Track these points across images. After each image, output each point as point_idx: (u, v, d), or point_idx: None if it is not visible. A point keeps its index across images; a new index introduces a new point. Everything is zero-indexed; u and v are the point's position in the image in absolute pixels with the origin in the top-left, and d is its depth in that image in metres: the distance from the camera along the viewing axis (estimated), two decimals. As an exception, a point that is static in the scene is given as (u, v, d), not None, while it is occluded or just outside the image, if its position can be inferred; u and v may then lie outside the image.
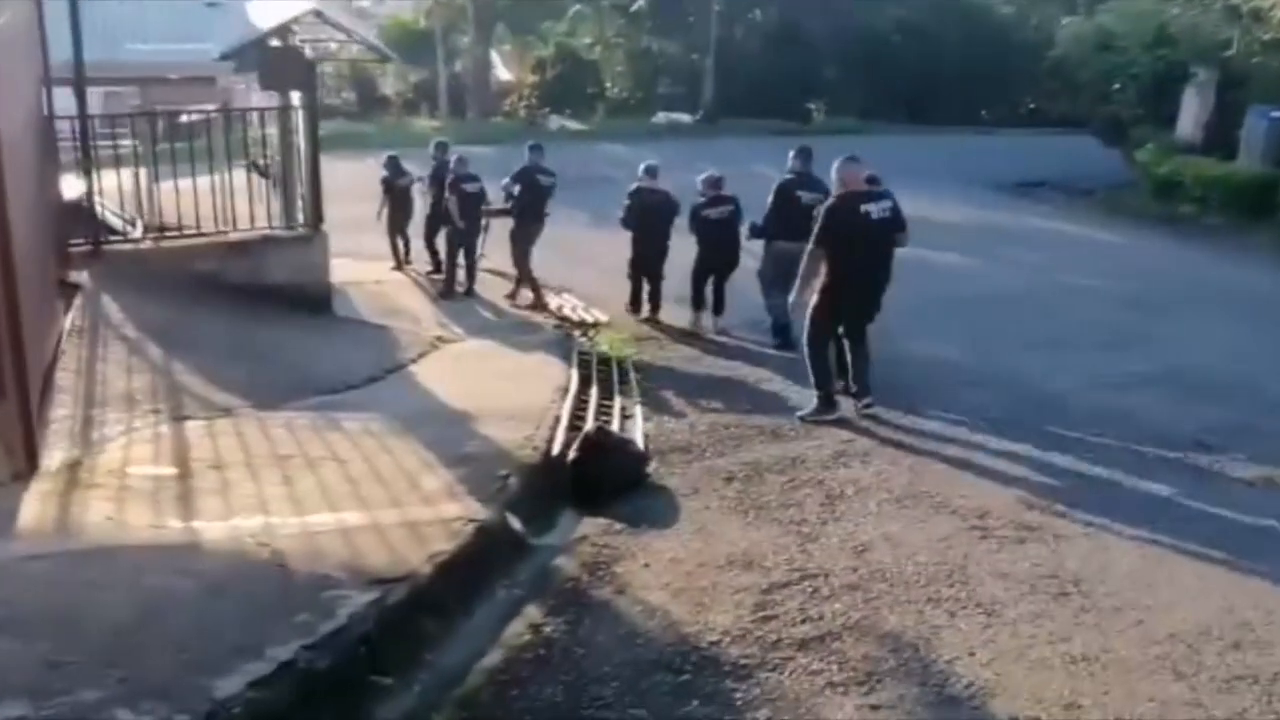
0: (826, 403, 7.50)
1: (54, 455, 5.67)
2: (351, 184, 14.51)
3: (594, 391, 8.23)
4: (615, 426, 7.35)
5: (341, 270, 12.86)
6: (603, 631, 4.36)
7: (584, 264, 13.28)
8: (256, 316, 9.41)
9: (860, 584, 4.76)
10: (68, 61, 9.36)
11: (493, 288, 12.71)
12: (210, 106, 15.81)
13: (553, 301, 12.02)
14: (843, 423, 7.33)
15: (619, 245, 11.22)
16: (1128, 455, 6.74)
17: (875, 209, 7.36)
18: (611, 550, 5.20)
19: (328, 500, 5.26)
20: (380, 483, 5.57)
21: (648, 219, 10.82)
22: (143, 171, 10.27)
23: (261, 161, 11.37)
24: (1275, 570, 5.00)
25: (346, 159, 18.52)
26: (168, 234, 10.19)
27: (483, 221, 12.55)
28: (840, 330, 7.67)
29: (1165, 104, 24.94)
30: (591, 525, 5.60)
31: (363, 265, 13.68)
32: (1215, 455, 6.74)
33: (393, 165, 13.82)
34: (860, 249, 7.33)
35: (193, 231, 10.09)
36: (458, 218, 12.13)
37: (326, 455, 5.99)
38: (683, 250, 10.78)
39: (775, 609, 4.51)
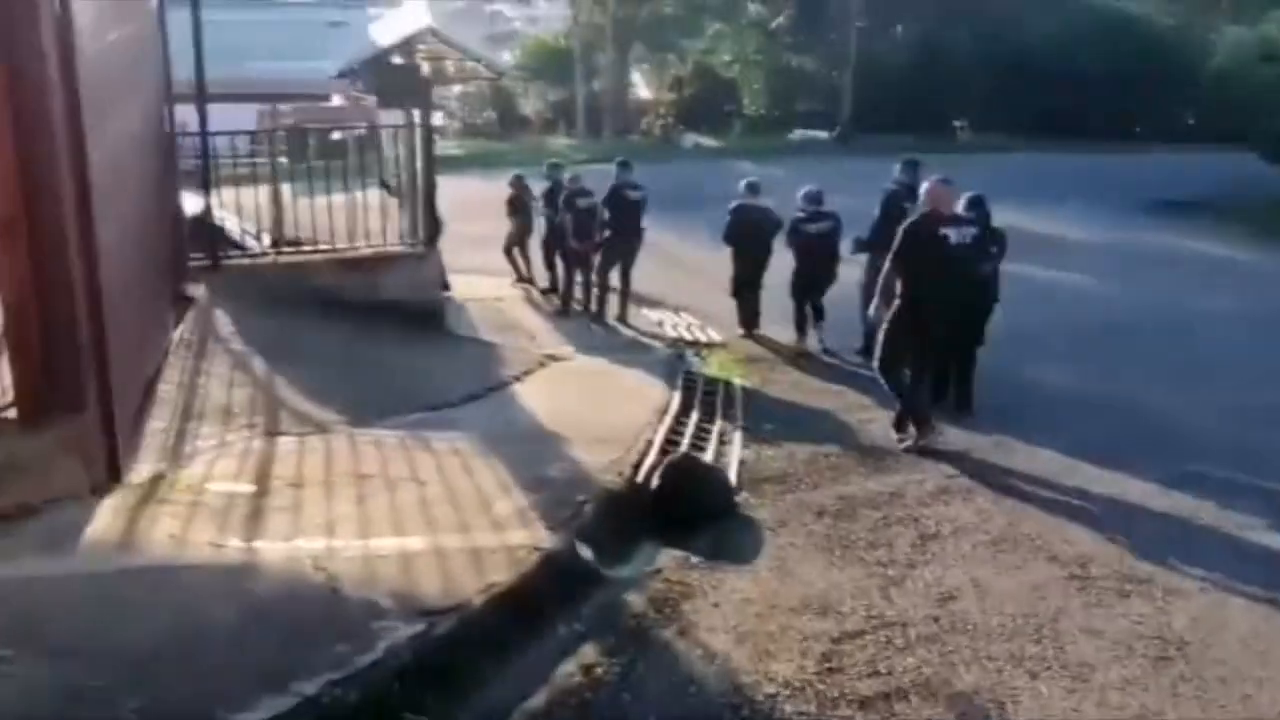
0: (904, 420, 7.28)
1: (142, 469, 5.74)
2: (482, 201, 14.63)
3: (694, 415, 8.01)
4: (711, 452, 7.12)
5: (464, 286, 13.07)
6: (656, 677, 4.10)
7: (703, 282, 13.03)
8: (367, 332, 9.48)
9: (939, 636, 4.38)
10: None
11: (611, 306, 12.58)
12: (352, 125, 16.33)
13: (669, 320, 11.87)
14: (949, 456, 6.91)
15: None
16: (1261, 500, 6.15)
17: (955, 234, 7.07)
18: (684, 586, 4.95)
19: (397, 523, 5.15)
20: (453, 505, 5.44)
21: (748, 235, 10.75)
22: (283, 187, 10.58)
23: (391, 180, 11.57)
24: None
25: (481, 177, 18.80)
26: (284, 249, 10.36)
27: (597, 239, 12.47)
28: (921, 357, 7.36)
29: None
30: (669, 558, 5.35)
31: (485, 281, 13.85)
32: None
33: (518, 184, 13.88)
34: (937, 273, 7.02)
35: (309, 248, 10.25)
36: (571, 235, 12.05)
37: (407, 475, 5.90)
38: (782, 268, 10.56)
39: (843, 660, 4.18)
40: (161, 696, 3.34)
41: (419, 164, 10.57)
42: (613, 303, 12.04)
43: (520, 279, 13.91)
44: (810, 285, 10.37)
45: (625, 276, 11.94)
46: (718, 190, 17.80)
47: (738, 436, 7.57)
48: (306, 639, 3.82)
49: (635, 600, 4.82)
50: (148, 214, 7.55)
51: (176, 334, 8.09)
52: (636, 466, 6.45)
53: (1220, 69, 28.84)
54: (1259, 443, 7.24)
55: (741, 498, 6.23)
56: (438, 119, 38.37)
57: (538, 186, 13.63)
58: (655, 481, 6.06)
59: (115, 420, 5.34)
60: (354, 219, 10.09)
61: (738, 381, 9.15)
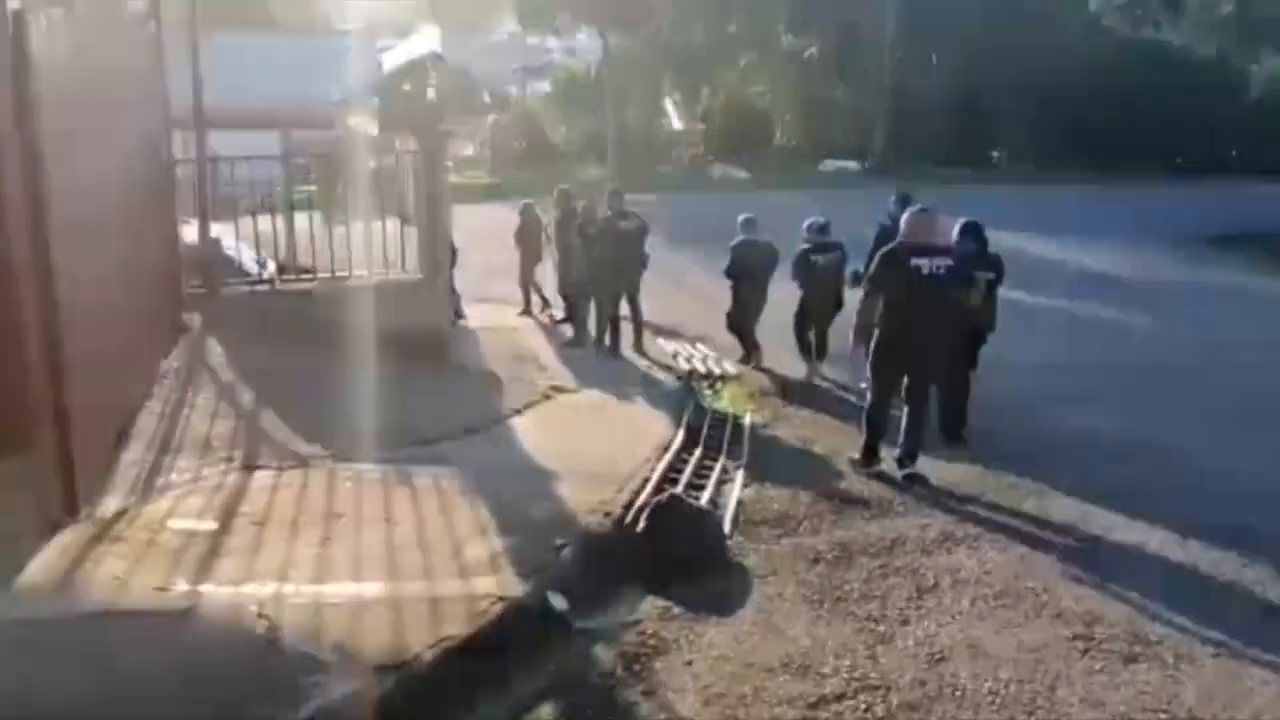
0: (869, 453, 7.28)
1: (110, 503, 5.52)
2: (506, 231, 14.42)
3: (698, 451, 7.70)
4: (709, 491, 6.80)
5: (482, 315, 12.89)
6: (612, 745, 3.78)
7: (721, 313, 12.72)
8: (366, 362, 9.24)
9: (923, 703, 4.01)
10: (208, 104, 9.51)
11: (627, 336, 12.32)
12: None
13: (684, 351, 11.59)
14: (959, 499, 6.54)
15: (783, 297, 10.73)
16: (1290, 557, 5.67)
17: (927, 264, 6.97)
18: (659, 640, 4.62)
19: (358, 567, 4.89)
20: (423, 549, 5.17)
21: (748, 270, 10.70)
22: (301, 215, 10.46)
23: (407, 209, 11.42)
24: None
25: (510, 206, 18.64)
26: (286, 277, 10.19)
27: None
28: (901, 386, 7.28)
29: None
30: (650, 606, 5.02)
31: (504, 310, 13.72)
32: None
33: (528, 213, 13.71)
34: (908, 303, 6.97)
35: (309, 276, 10.07)
36: (583, 264, 11.81)
37: (380, 515, 5.64)
38: (785, 300, 10.38)
39: (817, 728, 3.83)
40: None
41: (425, 191, 10.40)
42: (629, 332, 11.78)
43: (526, 310, 13.69)
44: (816, 316, 10.25)
45: (633, 306, 11.69)
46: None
47: (740, 474, 7.24)
48: (232, 697, 3.54)
49: (605, 655, 4.51)
50: (138, 241, 7.38)
51: (166, 364, 7.91)
52: (628, 507, 6.14)
53: (1259, 100, 28.28)
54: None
55: (734, 541, 5.90)
56: (468, 148, 38.68)
57: (549, 215, 13.45)
58: (641, 524, 5.74)
59: (74, 455, 5.11)
60: (368, 247, 9.92)
61: (747, 417, 8.83)
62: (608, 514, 5.95)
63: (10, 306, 4.64)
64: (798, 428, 8.61)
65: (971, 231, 7.92)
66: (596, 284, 11.66)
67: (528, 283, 13.75)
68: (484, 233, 16.42)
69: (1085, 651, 4.46)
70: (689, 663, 4.41)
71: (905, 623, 4.74)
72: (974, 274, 7.51)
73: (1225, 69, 35.52)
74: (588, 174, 33.07)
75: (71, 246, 5.14)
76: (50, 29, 5.23)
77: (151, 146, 8.21)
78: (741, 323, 10.96)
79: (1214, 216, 22.05)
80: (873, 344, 7.17)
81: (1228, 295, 15.34)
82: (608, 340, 11.70)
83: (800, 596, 5.09)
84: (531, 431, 8.18)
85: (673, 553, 5.52)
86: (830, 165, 34.34)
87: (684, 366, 11.01)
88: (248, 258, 10.93)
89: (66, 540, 4.86)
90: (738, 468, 7.42)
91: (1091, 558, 5.55)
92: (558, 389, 9.84)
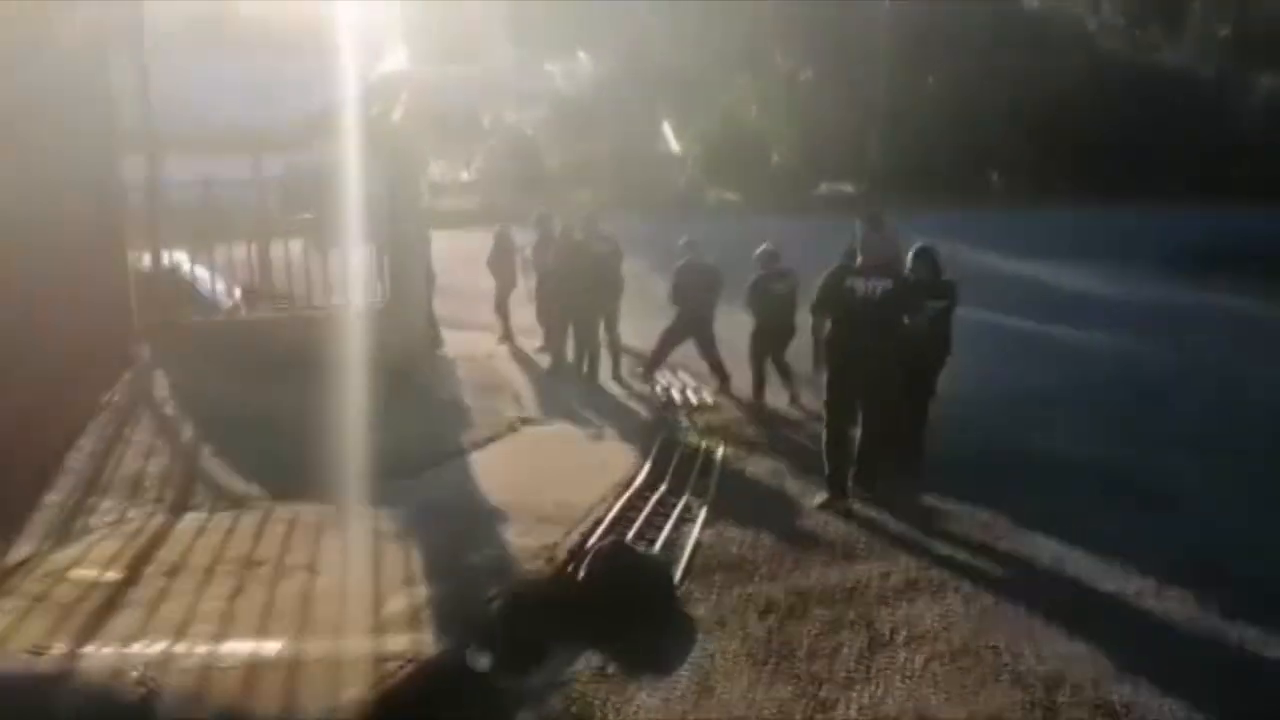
0: (832, 488, 6.97)
1: (21, 549, 5.20)
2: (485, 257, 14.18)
3: (662, 488, 7.36)
4: (664, 534, 6.44)
5: (462, 343, 12.59)
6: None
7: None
8: (327, 393, 8.91)
9: (856, 784, 3.65)
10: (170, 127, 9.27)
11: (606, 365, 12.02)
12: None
13: (663, 379, 11.27)
14: (927, 542, 6.18)
15: (741, 323, 10.39)
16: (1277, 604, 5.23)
17: (863, 285, 6.80)
18: (584, 705, 4.27)
19: (265, 622, 4.54)
20: (341, 601, 4.82)
21: (690, 293, 10.59)
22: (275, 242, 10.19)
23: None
24: None
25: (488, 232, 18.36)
26: (253, 306, 9.90)
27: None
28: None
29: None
30: (583, 664, 4.66)
31: (485, 337, 13.46)
32: None
33: (501, 237, 13.47)
34: (845, 325, 6.90)
35: (283, 304, 9.78)
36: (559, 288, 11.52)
37: (304, 563, 5.31)
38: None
39: (737, 815, 3.47)
40: None
41: (393, 215, 10.11)
42: (608, 359, 11.47)
43: (505, 336, 13.39)
44: (774, 342, 10.06)
45: (610, 332, 11.39)
46: (737, 249, 17.35)
47: (702, 514, 6.88)
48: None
49: (526, 720, 4.15)
50: (72, 269, 7.09)
51: (106, 397, 7.59)
52: (575, 551, 5.80)
53: (1258, 121, 28.01)
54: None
55: (685, 589, 5.54)
56: (462, 173, 38.48)
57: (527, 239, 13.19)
58: (582, 572, 5.39)
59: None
60: (342, 273, 9.65)
61: (719, 450, 8.47)
62: (551, 559, 5.61)
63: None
64: (771, 460, 8.25)
65: (923, 256, 7.67)
66: (572, 309, 11.37)
67: (504, 308, 13.46)
68: (471, 258, 16.14)
69: (1043, 721, 4.07)
70: (613, 731, 4.05)
71: (850, 685, 4.35)
72: (919, 301, 7.20)
73: (1224, 90, 35.23)
74: (581, 198, 32.82)
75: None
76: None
77: (96, 173, 7.91)
78: (675, 341, 10.88)
79: (1211, 238, 21.68)
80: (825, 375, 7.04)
81: (1215, 317, 14.99)
82: (585, 368, 11.38)
83: (744, 653, 4.71)
84: (489, 466, 7.85)
85: (615, 603, 5.17)
86: (826, 188, 34.09)
87: (661, 397, 10.70)
88: (215, 286, 10.64)
89: (-48, 594, 4.53)
90: (702, 505, 7.07)
91: (1064, 609, 5.12)
92: (525, 421, 9.52)
